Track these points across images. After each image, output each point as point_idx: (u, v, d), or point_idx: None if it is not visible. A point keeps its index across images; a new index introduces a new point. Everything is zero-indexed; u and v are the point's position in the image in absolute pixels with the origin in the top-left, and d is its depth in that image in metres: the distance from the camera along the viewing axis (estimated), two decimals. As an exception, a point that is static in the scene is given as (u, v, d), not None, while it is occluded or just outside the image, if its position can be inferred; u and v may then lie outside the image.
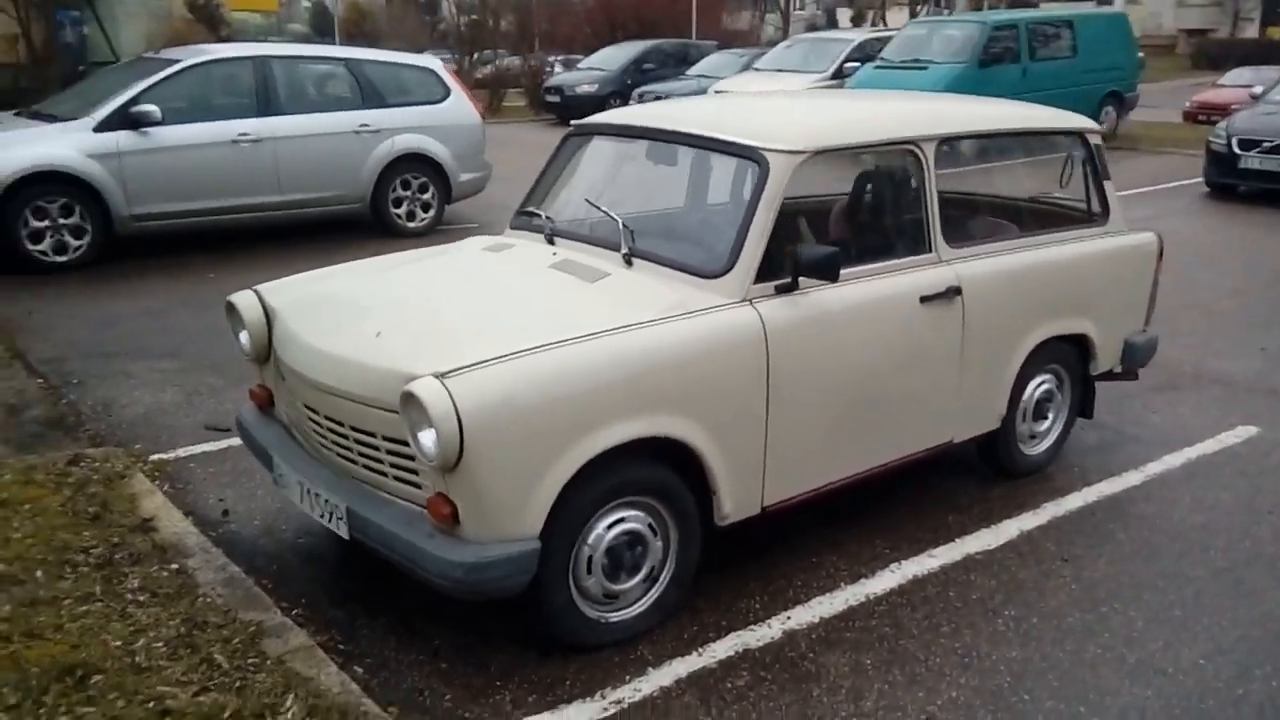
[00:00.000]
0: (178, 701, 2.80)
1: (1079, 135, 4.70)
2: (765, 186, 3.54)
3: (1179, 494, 4.50)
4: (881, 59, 16.92)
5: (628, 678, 3.18)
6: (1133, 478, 4.67)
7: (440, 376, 2.89)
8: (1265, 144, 11.73)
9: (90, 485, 4.16)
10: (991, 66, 15.54)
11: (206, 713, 2.76)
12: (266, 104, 9.34)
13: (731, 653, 3.32)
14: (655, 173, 4.06)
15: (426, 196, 10.20)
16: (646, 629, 3.39)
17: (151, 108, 8.66)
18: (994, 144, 4.82)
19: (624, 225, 3.74)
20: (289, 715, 2.76)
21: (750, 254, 3.49)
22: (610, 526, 3.25)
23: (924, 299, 3.87)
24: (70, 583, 3.41)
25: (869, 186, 4.32)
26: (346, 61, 10.11)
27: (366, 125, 9.74)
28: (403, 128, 9.98)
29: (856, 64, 17.68)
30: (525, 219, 4.25)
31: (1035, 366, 4.46)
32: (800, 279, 3.56)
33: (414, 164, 10.10)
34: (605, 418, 3.07)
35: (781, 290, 3.54)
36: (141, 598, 3.37)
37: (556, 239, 4.00)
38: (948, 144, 4.13)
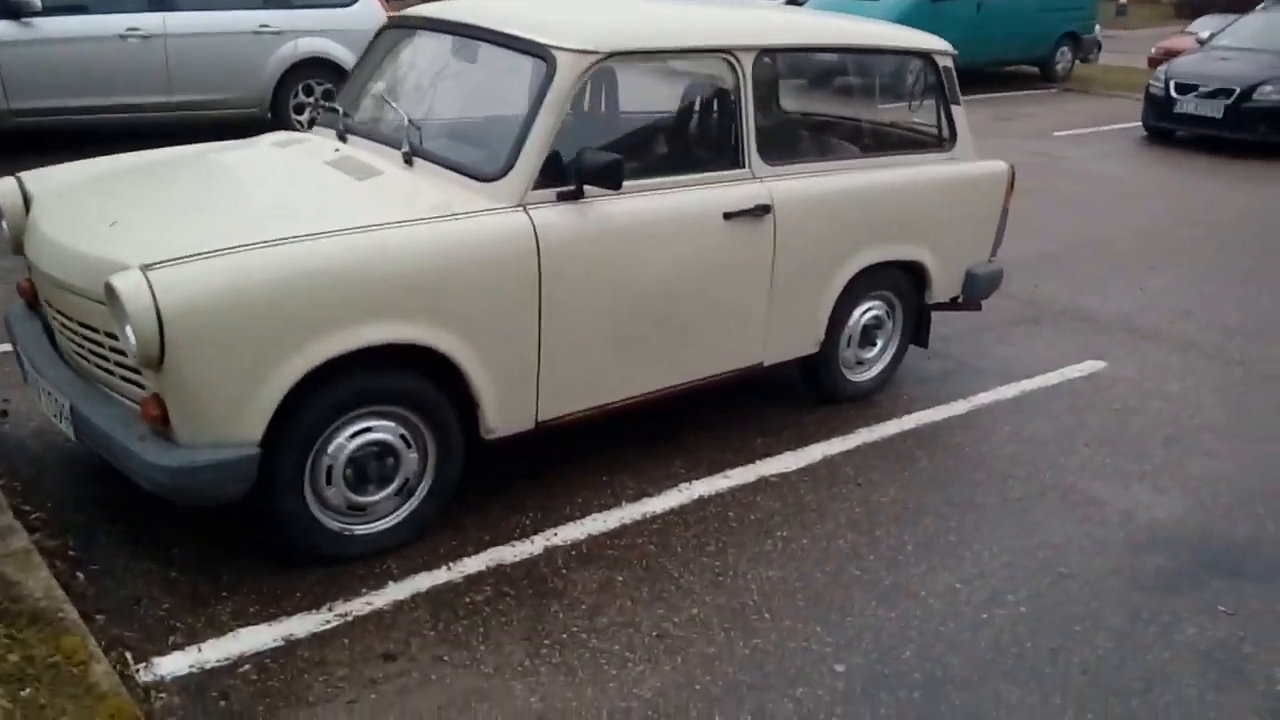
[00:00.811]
0: None
1: (926, 56, 4.53)
2: (550, 87, 3.37)
3: (999, 424, 4.43)
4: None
5: (364, 591, 3.08)
6: (958, 407, 4.59)
7: (145, 268, 2.73)
8: (1201, 88, 11.57)
9: None
10: (944, 1, 15.20)
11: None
12: (161, -1, 8.94)
13: (482, 568, 3.23)
14: (456, 70, 3.88)
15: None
16: (398, 544, 3.28)
17: (28, -8, 8.27)
18: (834, 61, 4.65)
19: (408, 122, 3.56)
20: (-28, 617, 2.64)
21: (530, 158, 3.32)
22: (354, 436, 3.11)
23: (728, 215, 3.73)
24: None
25: (679, 96, 4.13)
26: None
27: (267, 26, 9.37)
28: (306, 30, 9.60)
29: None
30: (328, 115, 4.05)
31: (861, 291, 4.35)
32: (586, 187, 3.38)
33: (317, 69, 9.74)
34: (338, 321, 2.92)
35: (565, 197, 3.38)
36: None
37: (349, 136, 3.81)
38: (770, 56, 3.96)
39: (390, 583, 3.13)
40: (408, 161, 3.50)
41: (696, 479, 3.83)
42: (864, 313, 4.46)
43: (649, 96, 4.30)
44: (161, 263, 2.76)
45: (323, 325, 2.90)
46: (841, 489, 3.82)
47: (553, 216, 3.32)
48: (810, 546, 3.43)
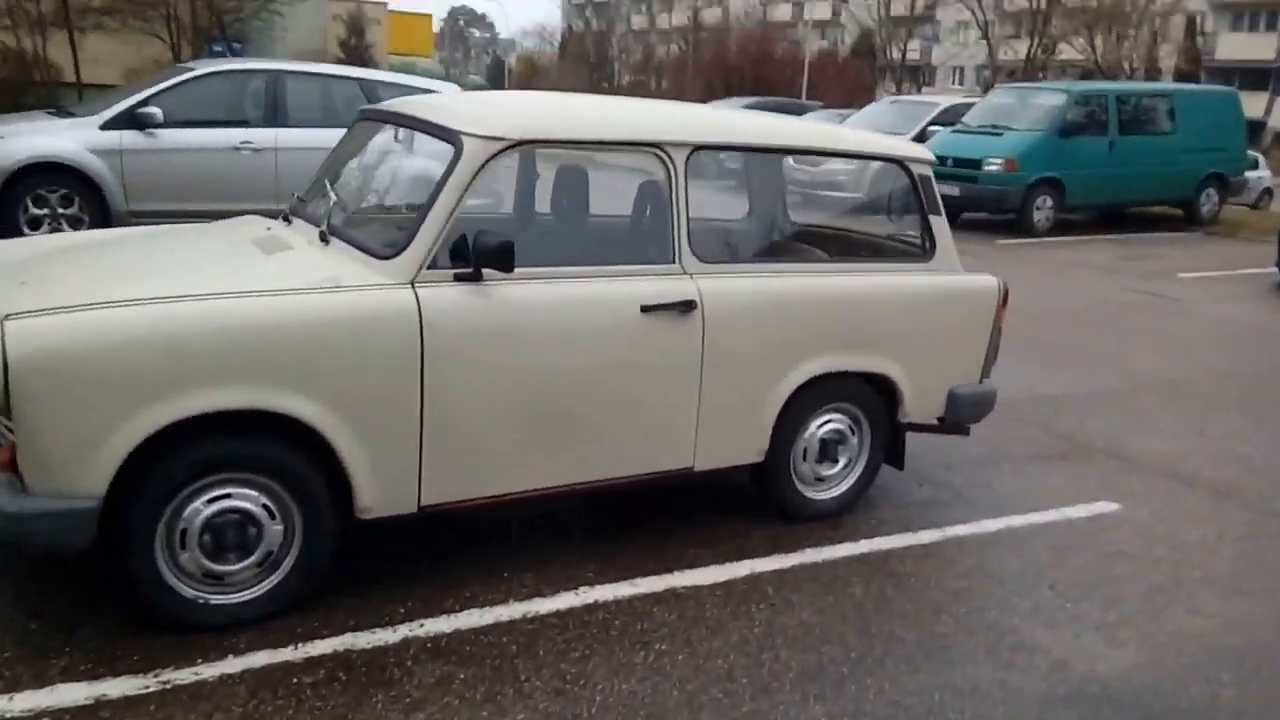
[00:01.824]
0: None
1: (900, 164, 4.38)
2: (454, 170, 3.41)
3: (961, 558, 4.09)
4: (962, 124, 16.46)
5: (199, 660, 3.04)
6: (926, 536, 4.27)
7: (4, 318, 2.84)
8: (1340, 237, 10.85)
9: None
10: (1074, 137, 14.87)
11: None
12: (274, 115, 9.61)
13: (329, 651, 3.15)
14: (394, 158, 3.98)
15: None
16: (258, 617, 3.23)
17: (155, 110, 9.03)
18: (795, 165, 4.56)
19: (333, 204, 3.67)
20: None
21: (426, 237, 3.35)
22: (211, 501, 3.11)
23: (646, 309, 3.64)
24: None
25: (615, 189, 4.12)
26: (360, 81, 10.36)
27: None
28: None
29: (940, 128, 17.21)
30: (293, 199, 4.21)
31: (815, 402, 4.15)
32: (487, 271, 3.38)
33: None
34: (192, 382, 2.97)
35: (462, 279, 3.37)
36: None
37: (293, 219, 3.94)
38: (707, 153, 3.90)
39: (230, 655, 3.08)
40: (324, 240, 3.58)
41: (602, 583, 3.66)
42: (821, 425, 4.22)
43: (582, 189, 4.29)
44: (20, 314, 2.87)
45: (173, 385, 2.94)
46: (750, 608, 3.57)
47: (443, 297, 3.32)
48: (684, 663, 3.20)
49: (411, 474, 3.35)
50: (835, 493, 4.36)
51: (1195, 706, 3.17)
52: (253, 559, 3.21)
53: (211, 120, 9.47)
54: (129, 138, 9.06)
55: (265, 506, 3.19)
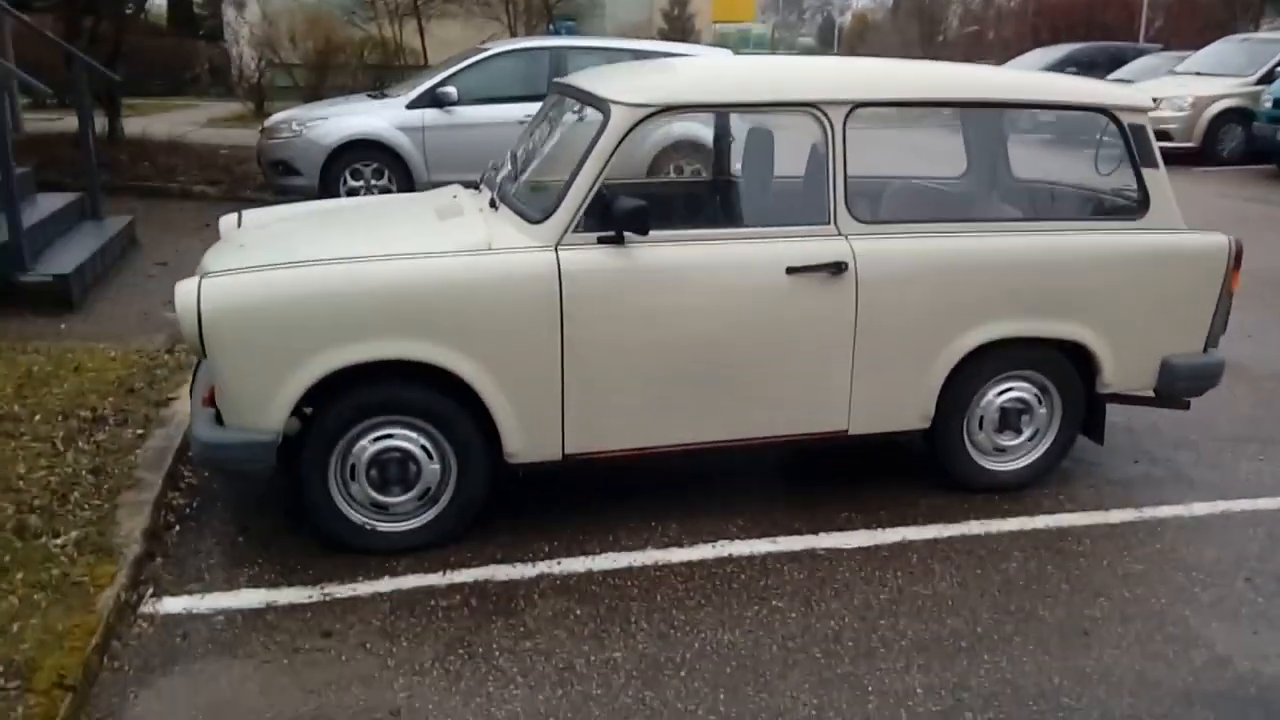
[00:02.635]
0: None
1: (1107, 113, 4.05)
2: (600, 137, 3.58)
3: (1150, 541, 3.78)
4: (1318, 61, 14.50)
5: (360, 578, 3.44)
6: (1118, 515, 3.97)
7: (203, 277, 3.36)
8: None
9: (160, 368, 5.11)
10: None
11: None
12: (557, 89, 10.19)
13: (471, 579, 3.46)
14: (568, 127, 4.18)
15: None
16: (419, 545, 3.60)
17: (450, 89, 9.88)
18: (981, 117, 4.32)
19: (505, 172, 3.95)
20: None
21: (572, 202, 3.55)
22: (376, 440, 3.50)
23: (792, 270, 3.65)
24: (44, 426, 4.30)
25: (757, 148, 4.10)
26: (637, 53, 10.73)
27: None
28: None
29: (1293, 67, 15.26)
30: (488, 168, 4.56)
31: (993, 368, 3.97)
32: (627, 234, 3.54)
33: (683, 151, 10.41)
34: (350, 335, 3.34)
35: (605, 242, 3.55)
36: (85, 447, 4.17)
37: (482, 187, 4.28)
38: (867, 110, 3.81)
39: (387, 576, 3.46)
40: (493, 206, 3.88)
41: (743, 538, 3.74)
42: (1001, 393, 4.02)
43: (762, 151, 4.29)
44: (216, 273, 3.37)
45: (334, 337, 3.33)
46: (885, 574, 3.51)
47: (583, 258, 3.50)
48: (794, 621, 3.23)
49: (555, 424, 3.57)
50: (1019, 465, 4.13)
51: (1370, 722, 2.78)
52: (413, 493, 3.56)
53: (501, 96, 10.18)
54: (430, 115, 9.95)
55: (424, 447, 3.53)
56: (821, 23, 69.72)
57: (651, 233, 3.54)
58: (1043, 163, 4.65)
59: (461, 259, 3.46)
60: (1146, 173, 4.02)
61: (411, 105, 9.93)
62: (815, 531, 3.79)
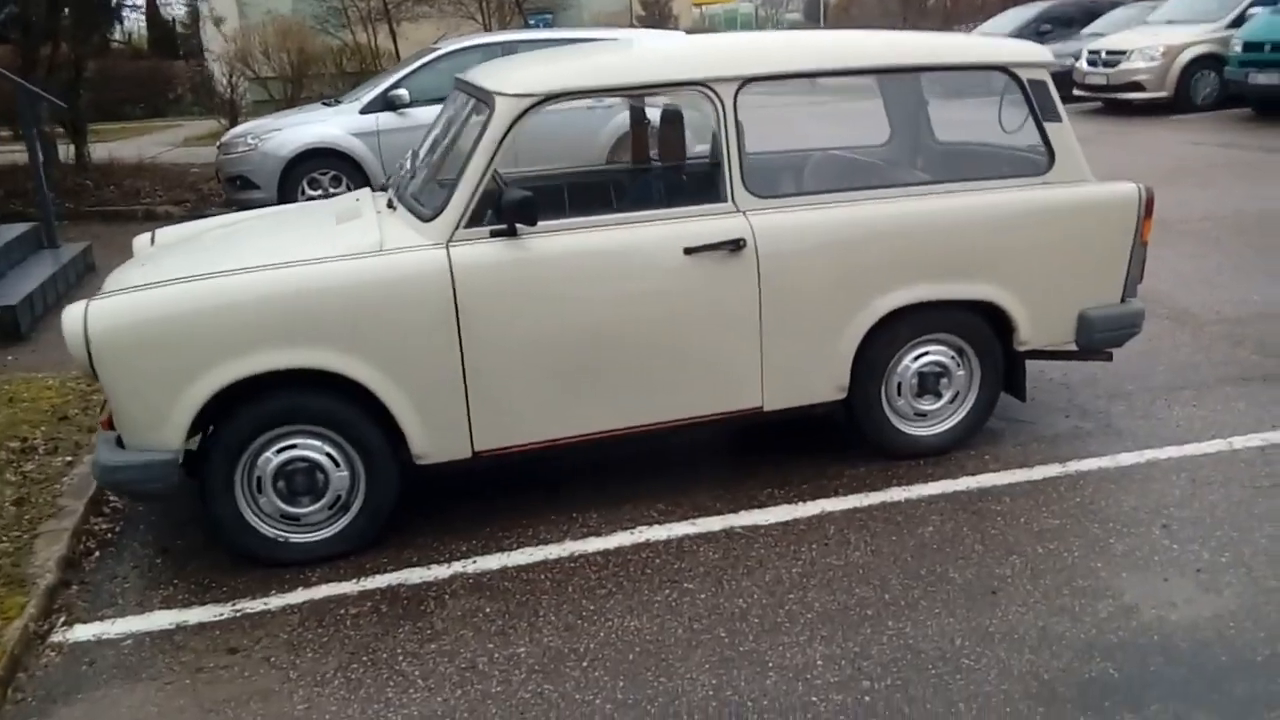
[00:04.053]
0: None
1: (1006, 71, 4.00)
2: (486, 130, 3.56)
3: (1071, 495, 3.76)
4: (1289, -2, 14.34)
5: (272, 592, 3.43)
6: (1041, 472, 3.95)
7: (89, 299, 3.35)
8: None
9: (97, 394, 5.10)
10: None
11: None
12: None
13: (384, 584, 3.45)
14: (461, 124, 4.14)
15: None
16: (332, 554, 3.59)
17: (403, 92, 9.84)
18: (877, 84, 4.29)
19: (404, 172, 3.93)
20: None
21: (461, 197, 3.52)
22: (281, 451, 3.49)
23: (690, 250, 3.63)
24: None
25: (647, 130, 4.07)
26: (590, 42, 10.67)
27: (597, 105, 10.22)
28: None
29: (1262, 8, 15.10)
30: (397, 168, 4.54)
31: (906, 333, 3.94)
32: (519, 225, 3.53)
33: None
34: (246, 347, 3.33)
35: (498, 235, 3.53)
36: (11, 479, 4.17)
37: (389, 189, 4.26)
38: (761, 84, 3.78)
39: (301, 588, 3.45)
40: (391, 206, 3.86)
41: (663, 523, 3.72)
42: (917, 358, 4.00)
43: (622, 135, 4.26)
44: (102, 295, 3.36)
45: (223, 351, 3.31)
46: (801, 548, 3.49)
47: (475, 254, 3.48)
48: (703, 602, 3.21)
49: (461, 422, 3.56)
50: (941, 428, 4.11)
51: (1273, 661, 2.76)
52: (323, 502, 3.56)
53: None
54: (384, 119, 9.92)
55: (330, 455, 3.51)
56: (807, -1, 69.28)
57: (544, 222, 3.53)
58: (970, 126, 4.60)
59: (351, 262, 3.45)
60: (1050, 127, 3.98)
61: (365, 110, 9.90)
62: (736, 510, 3.77)
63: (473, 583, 3.40)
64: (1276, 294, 5.86)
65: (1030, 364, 4.16)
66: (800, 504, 3.79)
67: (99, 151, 13.15)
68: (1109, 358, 4.20)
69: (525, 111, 3.53)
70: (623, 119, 10.12)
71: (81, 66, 12.58)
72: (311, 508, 3.56)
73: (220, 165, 10.16)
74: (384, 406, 3.48)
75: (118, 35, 34.34)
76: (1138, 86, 14.83)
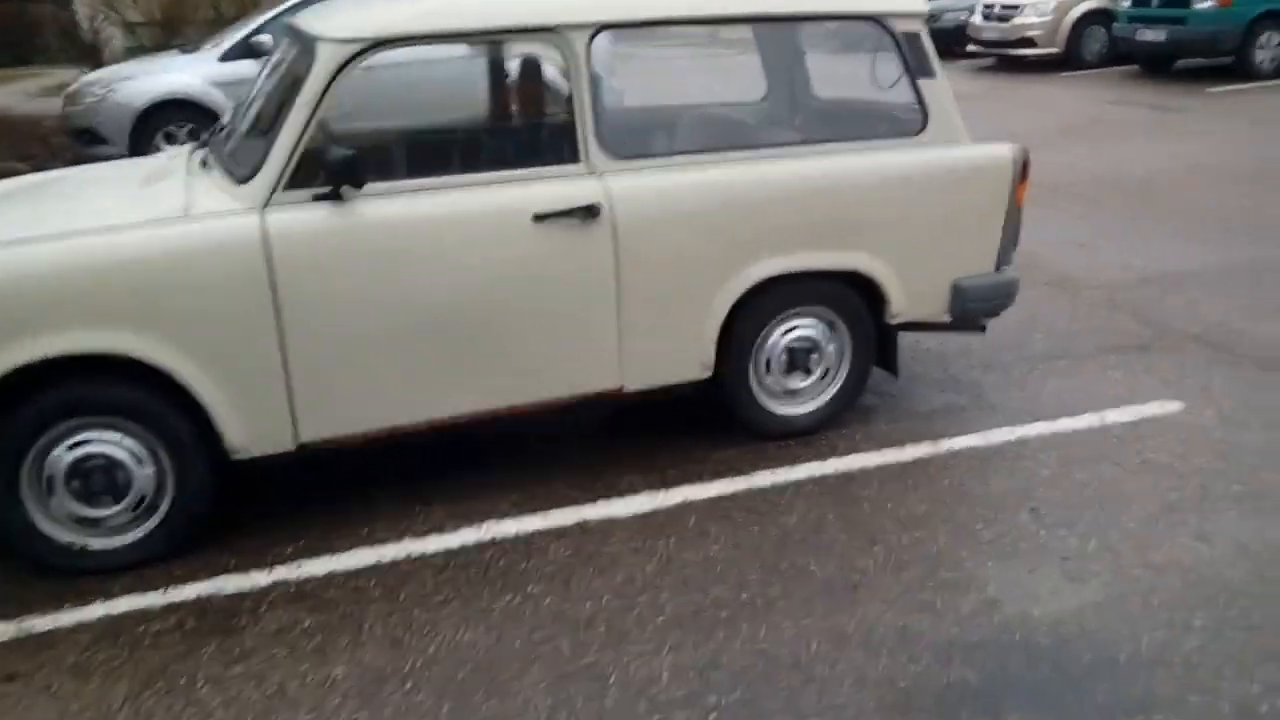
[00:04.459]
0: None
1: (877, 22, 3.75)
2: (308, 80, 3.18)
3: (939, 478, 3.58)
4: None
5: (65, 605, 3.06)
6: (912, 452, 3.77)
7: None
8: None
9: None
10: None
11: None
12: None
13: (194, 595, 3.11)
14: (283, 73, 3.73)
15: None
16: (141, 559, 3.22)
17: (266, 38, 9.20)
18: (739, 35, 4.01)
19: (222, 127, 3.53)
20: None
21: (278, 156, 3.15)
22: (74, 447, 3.10)
23: (539, 217, 3.30)
24: None
25: (493, 82, 3.74)
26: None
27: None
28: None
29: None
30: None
31: (773, 307, 3.70)
32: (346, 188, 3.17)
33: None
34: (26, 329, 2.92)
35: (321, 199, 3.16)
36: None
37: (208, 145, 3.84)
38: (615, 31, 3.46)
39: (98, 600, 3.08)
40: (205, 166, 3.46)
41: (514, 515, 3.44)
42: (786, 333, 3.76)
43: (469, 87, 3.93)
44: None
45: (10, 332, 2.89)
46: (658, 542, 3.25)
47: (295, 220, 3.12)
48: (547, 608, 2.95)
49: (283, 411, 3.21)
50: (811, 406, 3.90)
51: (1135, 659, 2.61)
52: (125, 503, 3.18)
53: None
54: (245, 67, 9.25)
55: (131, 451, 3.13)
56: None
57: (377, 184, 3.18)
58: (855, 81, 4.36)
59: (149, 231, 3.06)
60: (923, 84, 3.75)
61: (225, 58, 9.30)
62: (594, 500, 3.51)
63: (294, 592, 3.08)
64: (1157, 257, 5.81)
65: (905, 334, 3.95)
66: (662, 491, 3.54)
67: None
68: (983, 329, 4.04)
69: (351, 59, 3.17)
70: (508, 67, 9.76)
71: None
72: (113, 509, 3.18)
73: (67, 117, 9.44)
74: (192, 395, 3.10)
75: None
76: (1030, 42, 14.86)
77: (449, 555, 3.23)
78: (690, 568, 3.09)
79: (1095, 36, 14.74)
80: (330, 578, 3.14)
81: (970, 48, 15.75)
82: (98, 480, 3.13)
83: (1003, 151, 3.81)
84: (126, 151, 8.91)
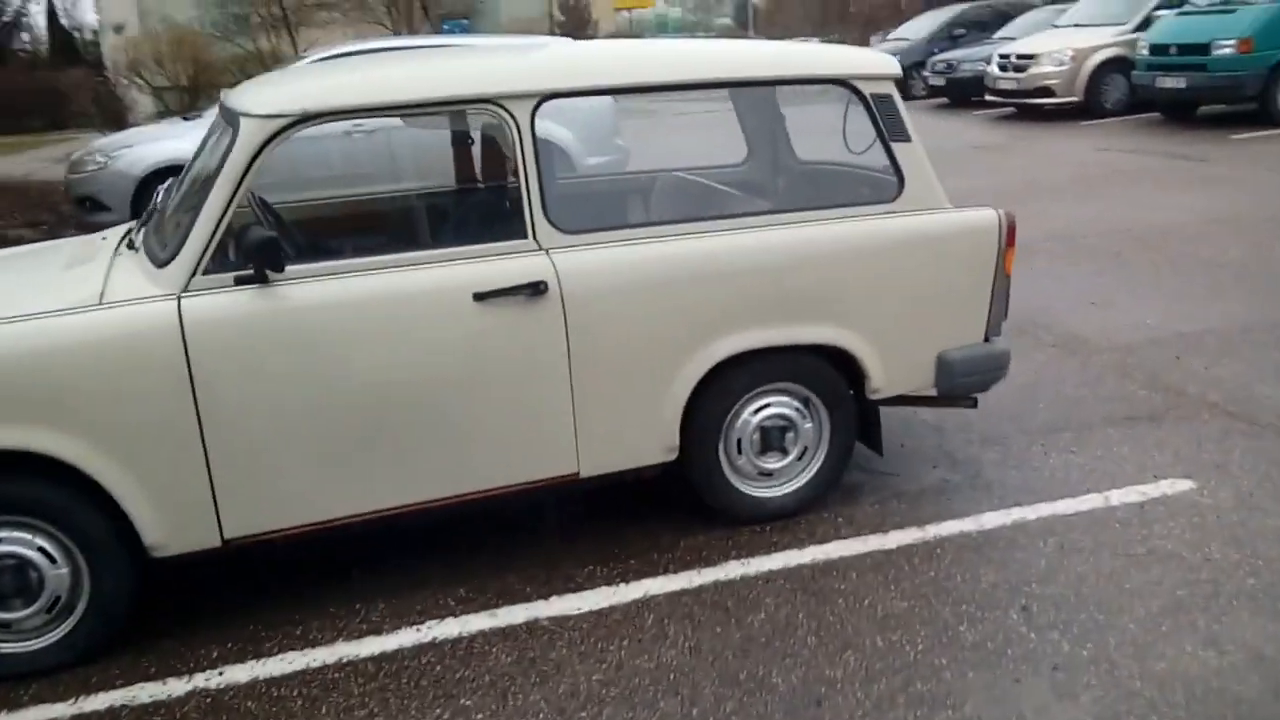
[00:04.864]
0: None
1: (845, 85, 3.53)
2: (228, 158, 3.00)
3: (924, 569, 3.29)
4: (1189, 3, 14.24)
5: (-33, 719, 2.82)
6: (894, 539, 3.47)
7: None
8: None
9: None
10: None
11: None
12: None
13: (103, 706, 2.88)
14: (211, 150, 3.55)
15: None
16: (56, 664, 3.00)
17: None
18: (698, 101, 3.80)
19: (153, 207, 3.36)
20: None
21: (198, 238, 2.97)
22: (-21, 548, 2.89)
23: (480, 296, 3.09)
24: None
25: (447, 159, 3.54)
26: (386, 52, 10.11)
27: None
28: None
29: (1166, 12, 14.99)
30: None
31: (743, 384, 3.45)
32: (270, 271, 2.97)
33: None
34: (-82, 427, 2.72)
35: (245, 282, 2.96)
36: None
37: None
38: (561, 101, 3.26)
39: (5, 711, 2.85)
40: (133, 247, 3.28)
41: (461, 613, 3.19)
42: (757, 411, 3.50)
43: (409, 160, 3.73)
44: None
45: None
46: (609, 645, 2.98)
47: (213, 305, 2.92)
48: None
49: (205, 506, 2.99)
50: (790, 488, 3.63)
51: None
52: (38, 605, 2.96)
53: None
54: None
55: (42, 549, 2.92)
56: (737, 2, 69.36)
57: (300, 266, 2.98)
58: (826, 144, 4.15)
59: (59, 320, 2.87)
60: (897, 148, 3.52)
61: (226, 124, 9.18)
62: (547, 596, 3.25)
63: (210, 703, 2.83)
64: (1175, 316, 5.51)
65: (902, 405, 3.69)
66: (622, 585, 3.28)
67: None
68: (973, 404, 3.76)
69: (275, 135, 2.98)
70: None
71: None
72: (24, 612, 2.96)
73: (69, 185, 9.41)
74: (106, 491, 2.89)
75: (27, 42, 32.94)
76: (1048, 91, 14.63)
77: (380, 661, 2.97)
78: (640, 676, 2.82)
79: (1115, 85, 14.49)
80: (252, 686, 2.90)
81: (989, 97, 15.55)
82: (8, 581, 2.91)
83: (985, 216, 3.57)
84: (128, 218, 8.84)
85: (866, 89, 3.49)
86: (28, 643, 3.00)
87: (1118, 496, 3.64)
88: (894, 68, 3.55)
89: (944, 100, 17.74)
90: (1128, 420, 4.28)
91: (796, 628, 2.99)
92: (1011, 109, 15.28)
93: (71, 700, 2.89)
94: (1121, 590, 3.06)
